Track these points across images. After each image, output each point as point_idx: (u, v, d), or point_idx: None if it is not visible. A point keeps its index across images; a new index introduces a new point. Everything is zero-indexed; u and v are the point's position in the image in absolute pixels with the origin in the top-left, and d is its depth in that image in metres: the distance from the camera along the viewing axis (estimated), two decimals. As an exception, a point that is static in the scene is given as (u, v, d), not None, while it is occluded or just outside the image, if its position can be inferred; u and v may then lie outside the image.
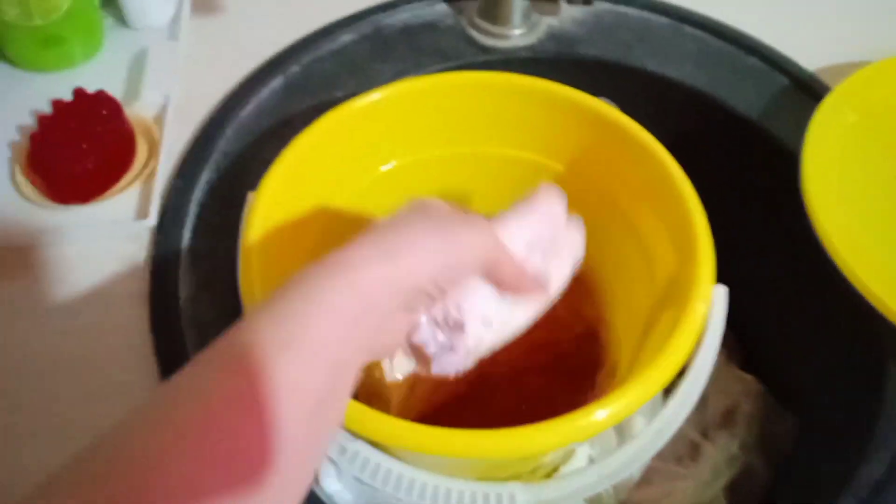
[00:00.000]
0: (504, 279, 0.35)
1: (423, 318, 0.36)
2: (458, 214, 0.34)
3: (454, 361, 0.37)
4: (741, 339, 0.64)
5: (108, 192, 0.51)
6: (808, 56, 0.61)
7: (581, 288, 0.52)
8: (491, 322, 0.37)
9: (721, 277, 0.40)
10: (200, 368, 0.25)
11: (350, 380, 0.28)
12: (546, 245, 0.39)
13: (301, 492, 0.26)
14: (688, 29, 0.63)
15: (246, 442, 0.23)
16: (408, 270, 0.29)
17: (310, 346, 0.26)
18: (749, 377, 0.58)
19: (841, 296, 0.45)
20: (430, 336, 0.36)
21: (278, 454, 0.24)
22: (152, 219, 0.50)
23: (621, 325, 0.49)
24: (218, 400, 0.24)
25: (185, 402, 0.24)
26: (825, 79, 0.59)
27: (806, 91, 0.59)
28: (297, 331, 0.26)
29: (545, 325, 0.45)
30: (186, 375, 0.25)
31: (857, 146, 0.52)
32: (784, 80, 0.60)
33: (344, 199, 0.49)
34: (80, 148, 0.49)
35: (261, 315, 0.27)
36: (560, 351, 0.52)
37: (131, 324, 0.46)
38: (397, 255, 0.29)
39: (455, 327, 0.36)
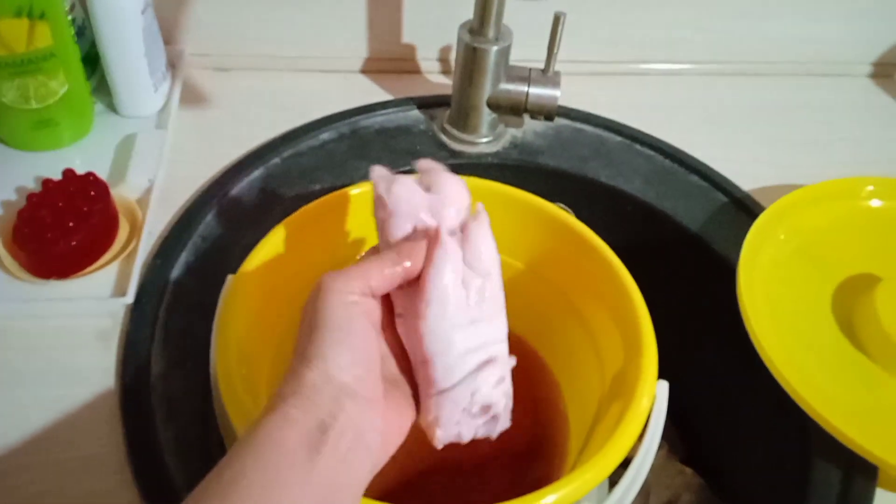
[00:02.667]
0: (389, 279, 0.36)
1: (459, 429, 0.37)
2: (311, 295, 0.35)
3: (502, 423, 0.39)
4: (683, 435, 0.67)
5: (89, 269, 0.53)
6: (744, 177, 0.68)
7: (537, 379, 0.56)
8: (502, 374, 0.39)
9: (665, 375, 0.43)
10: None
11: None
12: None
13: None
14: (638, 147, 0.70)
15: None
16: (320, 382, 0.32)
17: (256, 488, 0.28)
18: (689, 471, 0.61)
19: (773, 396, 0.49)
20: (471, 432, 0.38)
21: None
22: (130, 296, 0.52)
23: (573, 414, 0.52)
24: None
25: None
26: (759, 198, 0.66)
27: (742, 209, 0.65)
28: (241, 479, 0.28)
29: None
30: None
31: (787, 261, 0.58)
32: (723, 198, 0.66)
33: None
34: (66, 226, 0.52)
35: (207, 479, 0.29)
36: (515, 438, 0.54)
37: (102, 397, 0.47)
38: (299, 382, 0.32)
39: (486, 411, 0.38)
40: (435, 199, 0.38)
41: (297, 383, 0.32)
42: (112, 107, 0.67)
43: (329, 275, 0.35)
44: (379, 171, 0.40)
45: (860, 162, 0.72)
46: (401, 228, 0.38)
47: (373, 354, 0.34)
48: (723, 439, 0.64)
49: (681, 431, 0.67)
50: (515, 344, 0.45)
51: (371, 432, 0.33)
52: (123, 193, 0.58)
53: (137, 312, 0.51)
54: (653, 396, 0.43)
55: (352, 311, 0.34)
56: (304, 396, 0.31)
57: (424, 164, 0.41)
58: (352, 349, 0.33)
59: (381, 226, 0.39)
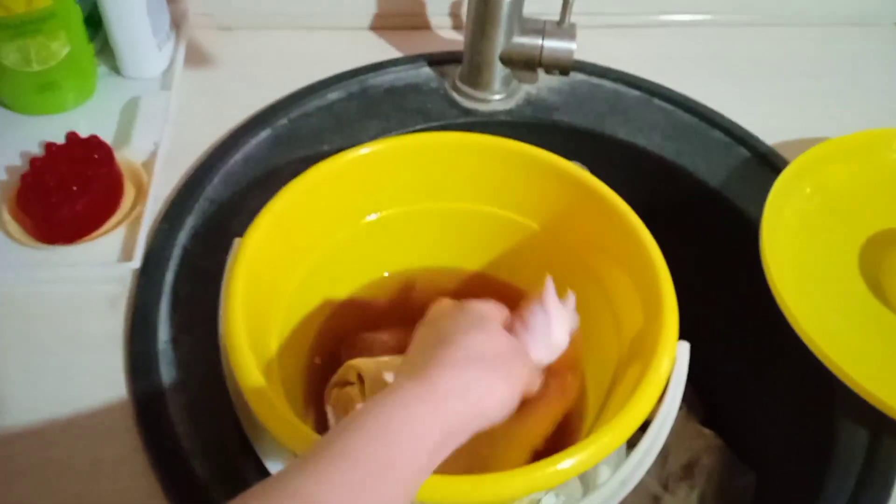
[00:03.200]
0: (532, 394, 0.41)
1: None
2: (512, 347, 0.39)
3: None
4: (702, 397, 0.66)
5: (94, 234, 0.52)
6: (767, 131, 0.65)
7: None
8: None
9: (684, 336, 0.42)
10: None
11: None
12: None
13: None
14: (657, 102, 0.67)
15: None
16: (482, 412, 0.34)
17: (404, 471, 0.30)
18: (709, 432, 0.60)
19: (797, 356, 0.48)
20: None
21: None
22: (136, 261, 0.51)
23: (591, 377, 0.51)
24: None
25: None
26: (783, 153, 0.63)
27: (766, 164, 0.63)
28: (393, 454, 0.30)
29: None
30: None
31: (812, 216, 0.56)
32: (745, 153, 0.64)
33: (327, 247, 0.51)
34: (70, 190, 0.51)
35: (359, 430, 0.30)
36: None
37: (110, 364, 0.47)
38: (477, 399, 0.34)
39: None
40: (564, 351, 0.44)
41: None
42: (115, 69, 0.65)
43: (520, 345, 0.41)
44: (551, 288, 0.45)
45: (889, 113, 0.69)
46: (539, 351, 0.43)
47: None
48: (744, 400, 0.63)
49: (700, 393, 0.66)
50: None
51: None
52: (129, 157, 0.57)
53: (145, 278, 0.51)
54: (673, 358, 0.41)
55: None
56: None
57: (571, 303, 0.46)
58: None
59: (528, 322, 0.43)
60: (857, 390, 0.45)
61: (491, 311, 0.42)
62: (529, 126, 0.65)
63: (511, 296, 0.47)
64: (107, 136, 0.58)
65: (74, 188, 0.51)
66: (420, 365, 0.35)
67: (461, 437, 0.33)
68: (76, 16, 0.60)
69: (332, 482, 0.28)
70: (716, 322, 0.61)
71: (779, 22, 0.78)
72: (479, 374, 0.35)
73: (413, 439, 0.31)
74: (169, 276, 0.51)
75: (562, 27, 0.62)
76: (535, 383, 0.42)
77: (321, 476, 0.28)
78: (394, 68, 0.68)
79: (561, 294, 0.45)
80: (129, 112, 0.62)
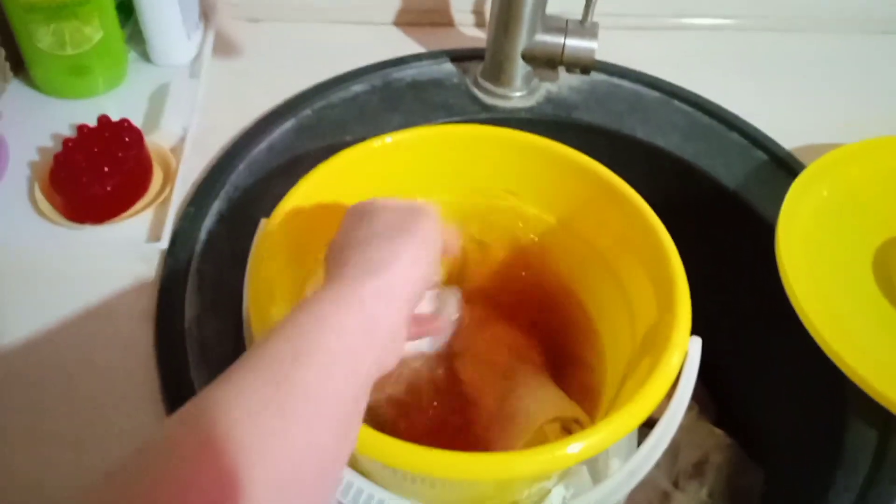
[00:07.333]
0: (450, 245, 0.40)
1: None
2: (407, 207, 0.37)
3: None
4: (714, 396, 0.67)
5: (123, 215, 0.54)
6: (786, 135, 0.66)
7: (579, 333, 0.55)
8: None
9: (698, 334, 0.42)
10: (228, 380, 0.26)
11: (367, 393, 0.30)
12: None
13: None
14: (676, 103, 0.68)
15: (274, 449, 0.24)
16: (400, 278, 0.32)
17: (323, 356, 0.27)
18: (720, 432, 0.60)
19: (808, 356, 0.48)
20: None
21: (307, 457, 0.25)
22: (164, 242, 0.52)
23: (609, 370, 0.52)
24: (247, 405, 0.25)
25: (209, 413, 0.25)
26: (801, 157, 0.64)
27: (783, 167, 0.63)
28: (307, 344, 0.27)
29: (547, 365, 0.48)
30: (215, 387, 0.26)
31: (829, 218, 0.56)
32: (763, 156, 0.64)
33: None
34: (102, 170, 0.52)
35: (273, 334, 0.28)
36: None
37: (137, 339, 0.48)
38: (385, 268, 0.32)
39: None
40: None
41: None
42: (145, 55, 0.67)
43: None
44: None
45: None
46: None
47: None
48: (756, 400, 0.63)
49: (712, 391, 0.67)
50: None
51: None
52: (157, 141, 0.59)
53: (172, 258, 0.52)
54: (685, 351, 0.42)
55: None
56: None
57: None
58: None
59: None
60: (866, 389, 0.46)
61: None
62: (549, 123, 0.66)
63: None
64: (136, 121, 0.59)
65: (105, 168, 0.52)
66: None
67: (394, 313, 0.31)
68: (109, 1, 0.62)
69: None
70: (729, 321, 0.62)
71: (799, 27, 0.79)
72: (382, 248, 0.33)
73: (325, 326, 0.28)
74: (195, 258, 0.52)
75: (584, 26, 0.63)
76: (454, 243, 0.41)
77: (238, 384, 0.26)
78: (416, 63, 0.69)
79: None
80: (159, 98, 0.63)
